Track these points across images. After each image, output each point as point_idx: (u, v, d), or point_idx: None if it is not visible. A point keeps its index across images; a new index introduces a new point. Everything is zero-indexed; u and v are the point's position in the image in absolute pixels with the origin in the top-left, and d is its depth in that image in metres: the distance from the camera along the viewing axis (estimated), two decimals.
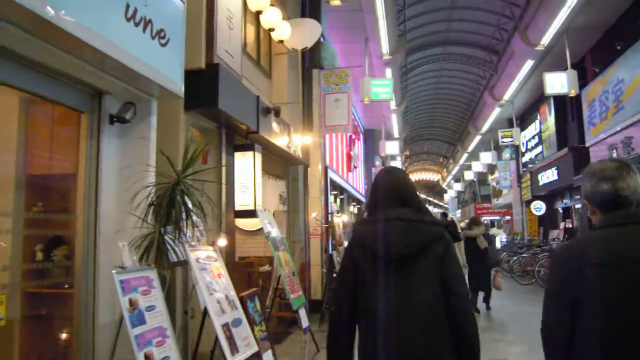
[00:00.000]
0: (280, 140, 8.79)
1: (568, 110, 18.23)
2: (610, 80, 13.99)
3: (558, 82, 14.38)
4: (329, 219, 10.23)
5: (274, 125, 8.36)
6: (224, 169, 7.02)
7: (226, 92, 6.32)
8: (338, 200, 18.28)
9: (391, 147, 24.19)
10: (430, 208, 74.17)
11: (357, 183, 23.25)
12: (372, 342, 2.25)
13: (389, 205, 2.40)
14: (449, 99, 30.35)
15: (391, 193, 2.44)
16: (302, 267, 9.41)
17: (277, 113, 8.20)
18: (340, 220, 10.00)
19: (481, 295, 10.71)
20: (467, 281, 8.95)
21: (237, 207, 7.22)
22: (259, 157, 7.43)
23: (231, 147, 7.29)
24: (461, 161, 36.97)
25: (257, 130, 7.43)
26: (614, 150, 13.97)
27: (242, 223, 10.83)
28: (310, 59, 11.28)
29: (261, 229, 11.06)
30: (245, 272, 8.78)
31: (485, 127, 25.66)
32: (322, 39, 12.11)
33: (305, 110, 10.91)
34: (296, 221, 10.52)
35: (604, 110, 14.46)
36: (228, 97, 6.37)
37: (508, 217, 32.02)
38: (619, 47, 13.33)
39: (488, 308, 10.72)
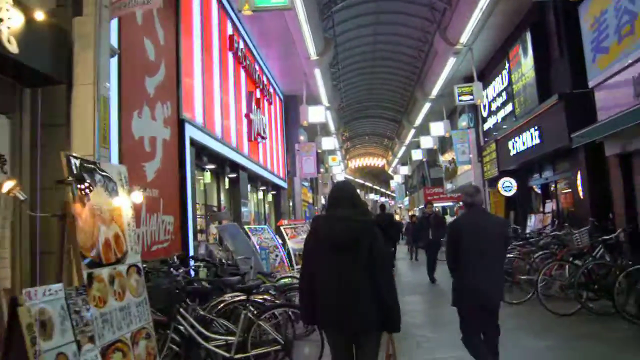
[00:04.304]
0: None
1: (554, 42, 12.83)
2: None
3: None
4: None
5: None
6: None
7: None
8: (227, 180, 12.37)
9: (316, 114, 18.40)
10: (377, 197, 69.51)
11: (271, 162, 17.42)
12: (323, 293, 3.45)
13: (338, 206, 3.56)
14: (390, 57, 24.68)
15: (340, 200, 3.61)
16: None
17: None
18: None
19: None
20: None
21: None
22: None
23: None
24: (408, 139, 31.60)
25: None
26: None
27: None
28: None
29: None
30: None
31: (436, 89, 20.15)
32: None
33: None
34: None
35: (627, 20, 9.07)
36: None
37: None
38: None
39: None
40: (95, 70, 4.90)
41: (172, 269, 5.85)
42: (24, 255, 4.73)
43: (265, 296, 6.12)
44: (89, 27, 4.99)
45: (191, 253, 8.47)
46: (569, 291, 8.06)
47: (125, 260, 4.17)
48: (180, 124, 8.53)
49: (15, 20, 4.17)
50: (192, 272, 7.58)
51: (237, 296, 5.78)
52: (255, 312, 5.38)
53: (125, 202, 4.35)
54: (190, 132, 8.84)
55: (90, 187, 3.69)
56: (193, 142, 9.04)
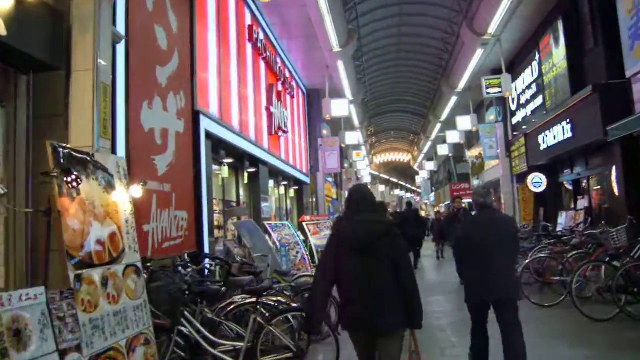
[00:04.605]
0: None
1: (588, 30, 12.19)
2: None
3: None
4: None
5: None
6: None
7: None
8: (246, 175, 12.06)
9: (339, 108, 17.99)
10: (402, 193, 68.81)
11: (293, 157, 17.07)
12: (348, 294, 3.59)
13: (357, 210, 3.70)
14: (415, 50, 24.10)
15: (361, 203, 3.74)
16: None
17: None
18: None
19: None
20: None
21: None
22: None
23: None
24: (434, 134, 30.94)
25: None
26: None
27: None
28: None
29: None
30: None
31: (463, 82, 19.55)
32: None
33: None
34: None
35: None
36: None
37: None
38: None
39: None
40: (94, 55, 4.59)
41: (179, 268, 5.51)
42: (19, 253, 4.44)
43: (279, 298, 5.73)
44: (88, 9, 4.68)
45: (206, 250, 8.13)
46: (606, 294, 7.53)
47: (122, 259, 3.84)
48: (195, 116, 8.20)
49: (5, 0, 3.86)
50: (207, 271, 7.26)
51: (248, 297, 5.41)
52: (266, 315, 5.01)
53: (124, 196, 4.02)
54: (205, 124, 8.51)
55: (79, 180, 3.35)
56: (209, 135, 8.71)
